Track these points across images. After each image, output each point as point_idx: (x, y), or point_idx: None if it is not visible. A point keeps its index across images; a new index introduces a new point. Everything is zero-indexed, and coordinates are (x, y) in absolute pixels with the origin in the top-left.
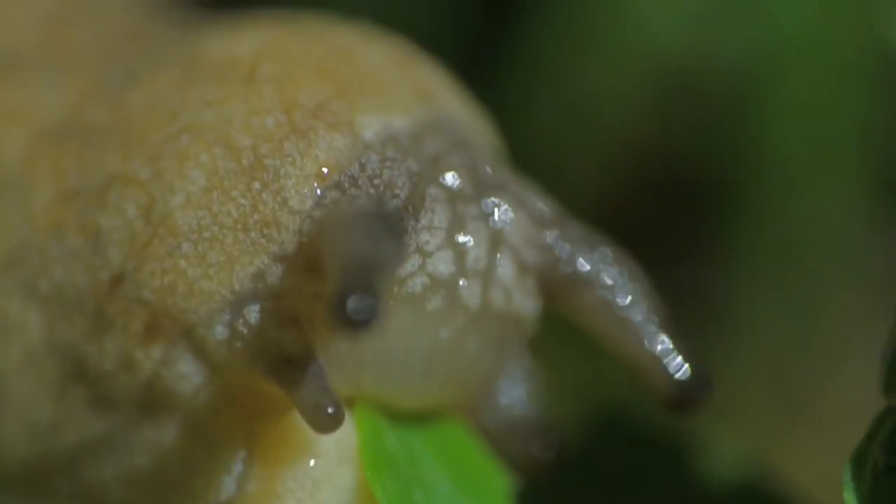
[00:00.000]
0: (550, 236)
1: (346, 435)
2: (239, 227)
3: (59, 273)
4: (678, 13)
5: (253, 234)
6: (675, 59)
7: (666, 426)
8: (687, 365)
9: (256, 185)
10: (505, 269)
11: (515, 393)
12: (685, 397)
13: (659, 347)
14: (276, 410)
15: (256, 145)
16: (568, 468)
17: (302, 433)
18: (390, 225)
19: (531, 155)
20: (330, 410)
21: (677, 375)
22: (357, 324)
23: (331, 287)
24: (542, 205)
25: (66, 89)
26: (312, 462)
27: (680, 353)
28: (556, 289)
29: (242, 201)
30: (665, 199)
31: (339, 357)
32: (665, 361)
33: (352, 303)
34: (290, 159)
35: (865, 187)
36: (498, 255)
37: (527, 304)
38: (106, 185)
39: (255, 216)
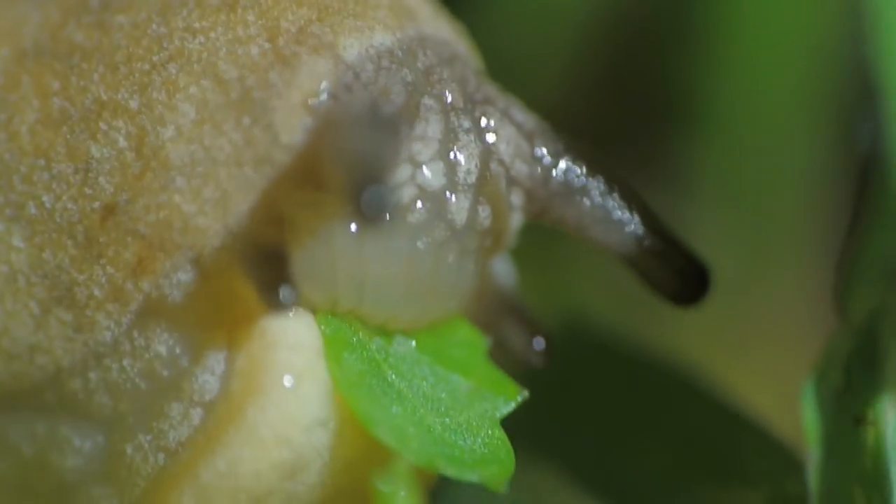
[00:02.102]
0: (537, 149)
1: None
2: (232, 161)
3: (47, 198)
4: None
5: (247, 169)
6: None
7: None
8: (686, 262)
9: (246, 119)
10: (495, 183)
11: (501, 297)
12: (688, 292)
13: (658, 249)
14: (252, 315)
15: (243, 77)
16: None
17: (278, 330)
18: (385, 124)
19: (494, 69)
20: (283, 294)
21: (679, 272)
22: (373, 216)
23: (341, 185)
24: (528, 118)
25: (49, 7)
26: (291, 356)
27: (679, 251)
28: (544, 201)
29: (234, 136)
30: (624, 113)
31: (313, 267)
32: (666, 260)
33: (365, 196)
34: (275, 90)
35: (820, 111)
36: (489, 168)
37: (513, 218)
38: (94, 112)
39: (249, 152)
